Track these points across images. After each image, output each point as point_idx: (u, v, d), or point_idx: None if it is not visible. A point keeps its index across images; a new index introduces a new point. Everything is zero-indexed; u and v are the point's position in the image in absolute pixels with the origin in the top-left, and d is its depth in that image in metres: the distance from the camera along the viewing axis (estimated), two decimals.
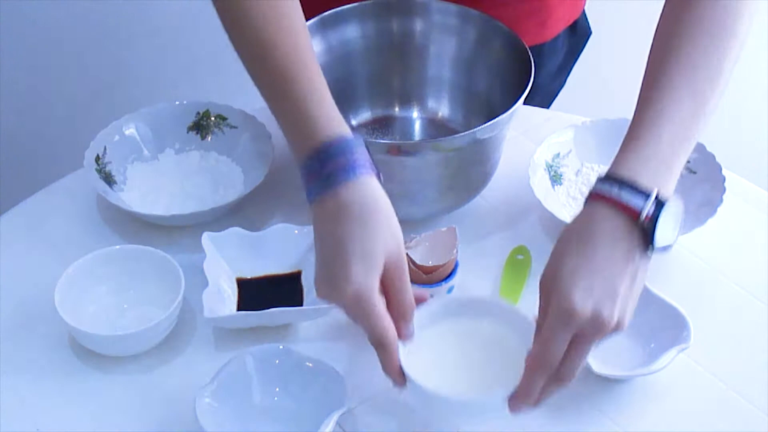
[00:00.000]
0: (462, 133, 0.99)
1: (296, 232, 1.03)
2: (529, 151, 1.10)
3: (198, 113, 1.16)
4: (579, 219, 0.85)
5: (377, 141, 1.07)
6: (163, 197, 1.10)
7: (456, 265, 0.96)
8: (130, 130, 1.14)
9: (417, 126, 1.19)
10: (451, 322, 0.89)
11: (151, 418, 0.92)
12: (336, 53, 1.12)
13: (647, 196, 0.82)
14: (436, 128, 1.18)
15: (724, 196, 1.05)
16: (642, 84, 0.90)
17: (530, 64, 1.04)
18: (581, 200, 1.08)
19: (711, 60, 0.89)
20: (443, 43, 1.16)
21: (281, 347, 0.92)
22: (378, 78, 1.17)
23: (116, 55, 2.25)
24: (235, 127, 1.15)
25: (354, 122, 1.17)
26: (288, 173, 1.14)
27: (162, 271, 0.99)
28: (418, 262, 0.94)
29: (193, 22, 2.24)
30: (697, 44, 0.89)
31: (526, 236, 1.08)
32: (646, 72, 0.90)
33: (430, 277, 0.94)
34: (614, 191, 0.83)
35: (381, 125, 1.18)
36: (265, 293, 1.01)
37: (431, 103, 1.18)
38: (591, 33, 1.34)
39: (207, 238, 1.01)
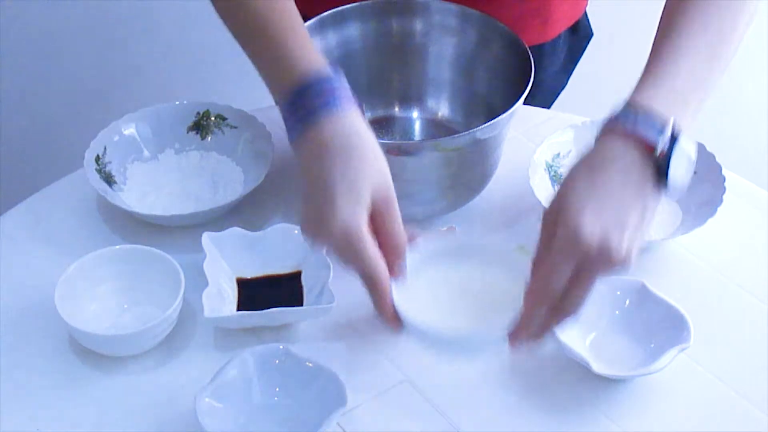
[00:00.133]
0: (462, 133, 0.99)
1: (296, 232, 1.03)
2: (529, 151, 1.10)
3: (198, 113, 1.16)
4: (590, 152, 0.83)
5: (377, 141, 1.06)
6: (163, 197, 1.10)
7: None
8: (130, 130, 1.14)
9: (417, 126, 1.19)
10: (446, 263, 0.87)
11: (151, 418, 0.92)
12: (336, 53, 1.12)
13: (662, 129, 0.80)
14: (436, 128, 1.18)
15: (724, 196, 1.05)
16: (654, 39, 0.89)
17: (530, 64, 1.04)
18: None
19: (724, 22, 0.88)
20: (443, 43, 1.16)
21: (281, 347, 0.92)
22: (378, 78, 1.17)
23: (116, 55, 2.25)
24: (235, 127, 1.15)
25: None
26: (288, 173, 1.14)
27: (162, 271, 0.99)
28: None
29: (193, 22, 2.24)
30: (708, 10, 0.88)
31: (526, 236, 1.07)
32: (657, 31, 0.89)
33: None
34: (629, 121, 0.81)
35: (381, 125, 1.18)
36: (265, 293, 1.01)
37: (431, 103, 1.18)
38: (592, 34, 1.34)
39: (207, 238, 1.01)
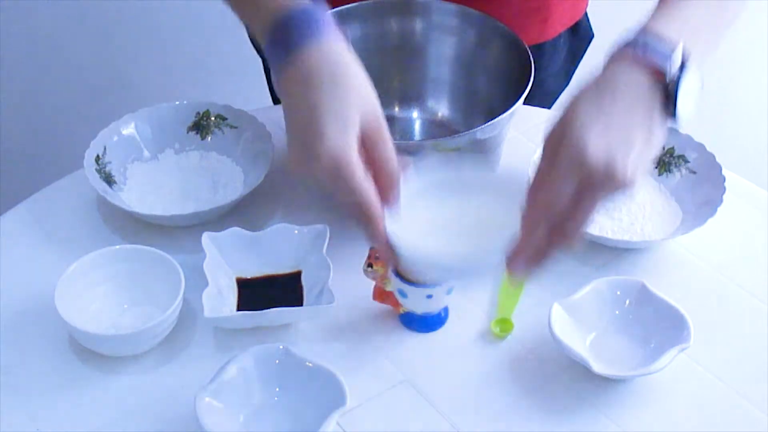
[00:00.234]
0: (462, 133, 0.99)
1: (296, 232, 1.03)
2: (529, 151, 1.10)
3: (198, 113, 1.16)
4: (598, 77, 0.82)
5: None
6: (163, 197, 1.10)
7: None
8: (129, 130, 1.14)
9: (417, 126, 1.19)
10: (441, 193, 0.86)
11: (151, 418, 0.92)
12: None
13: (673, 57, 0.79)
14: (436, 128, 1.18)
15: (724, 196, 1.05)
16: None
17: (530, 64, 1.04)
18: None
19: None
20: (443, 43, 1.16)
21: (281, 347, 0.92)
22: (378, 78, 1.16)
23: (116, 55, 2.25)
24: (235, 127, 1.15)
25: None
26: (288, 173, 1.14)
27: (162, 271, 0.99)
28: None
29: (194, 22, 2.24)
30: None
31: None
32: None
33: None
34: (640, 48, 0.80)
35: None
36: (265, 293, 1.01)
37: (431, 103, 1.18)
38: (593, 36, 1.34)
39: (207, 238, 1.01)
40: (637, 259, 1.05)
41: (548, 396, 0.93)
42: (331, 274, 0.98)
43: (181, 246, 1.05)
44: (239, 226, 1.02)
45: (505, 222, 0.81)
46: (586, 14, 1.31)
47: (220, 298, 0.98)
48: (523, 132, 1.18)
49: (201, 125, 1.16)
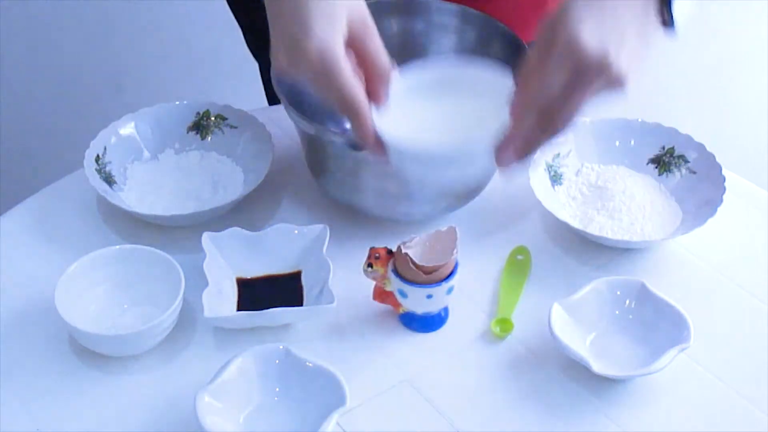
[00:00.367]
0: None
1: (296, 232, 1.03)
2: None
3: (198, 113, 1.16)
4: None
5: None
6: (163, 197, 1.10)
7: (456, 265, 0.96)
8: (129, 130, 1.14)
9: None
10: (431, 92, 0.86)
11: (151, 418, 0.92)
12: None
13: None
14: None
15: (724, 196, 1.05)
16: None
17: None
18: (581, 200, 1.09)
19: None
20: (443, 43, 1.16)
21: (281, 347, 0.92)
22: None
23: (116, 55, 2.25)
24: (235, 127, 1.15)
25: None
26: (288, 173, 1.15)
27: (162, 271, 0.99)
28: (418, 262, 0.94)
29: (193, 22, 2.24)
30: None
31: (526, 236, 1.08)
32: None
33: (430, 277, 0.94)
34: None
35: None
36: (265, 293, 1.01)
37: None
38: None
39: (207, 238, 1.01)
40: (637, 259, 1.05)
41: (548, 396, 0.93)
42: (331, 274, 0.98)
43: (181, 246, 1.05)
44: (239, 226, 1.03)
45: (493, 117, 0.82)
46: None
47: (220, 298, 0.98)
48: None
49: (201, 125, 1.16)
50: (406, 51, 1.16)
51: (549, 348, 0.96)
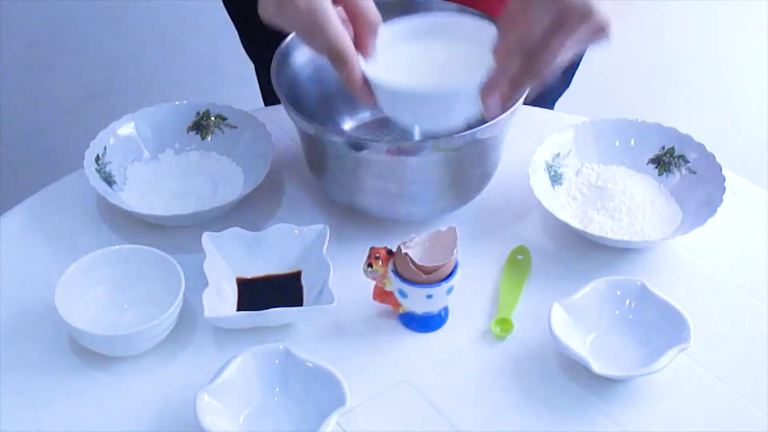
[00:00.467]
0: (462, 133, 0.99)
1: (296, 232, 1.03)
2: (529, 151, 1.10)
3: (198, 113, 1.16)
4: None
5: (377, 141, 1.07)
6: (163, 197, 1.10)
7: (456, 265, 0.96)
8: (129, 130, 1.14)
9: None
10: (417, 39, 0.88)
11: (151, 418, 0.92)
12: None
13: None
14: None
15: (724, 196, 1.05)
16: None
17: None
18: (581, 200, 1.09)
19: None
20: None
21: (281, 347, 0.92)
22: None
23: (117, 55, 2.25)
24: (235, 127, 1.15)
25: (354, 123, 1.17)
26: (288, 173, 1.15)
27: (162, 271, 0.99)
28: (418, 262, 0.94)
29: (193, 22, 2.24)
30: None
31: (526, 236, 1.08)
32: None
33: (430, 277, 0.94)
34: None
35: (381, 125, 1.17)
36: (265, 293, 1.01)
37: None
38: None
39: (207, 238, 1.01)
40: (637, 259, 1.05)
41: (548, 396, 0.93)
42: (331, 274, 0.98)
43: (181, 246, 1.05)
44: (239, 226, 1.03)
45: (479, 61, 0.84)
46: None
47: (220, 298, 0.98)
48: (523, 132, 1.18)
49: (201, 125, 1.16)
50: None
51: (549, 348, 0.96)
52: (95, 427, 0.91)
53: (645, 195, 1.09)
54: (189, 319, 0.99)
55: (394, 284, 0.96)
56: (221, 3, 1.34)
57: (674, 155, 1.12)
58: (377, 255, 0.95)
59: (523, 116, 1.15)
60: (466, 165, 1.04)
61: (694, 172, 1.10)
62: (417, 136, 0.92)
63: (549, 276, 1.04)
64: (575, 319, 0.96)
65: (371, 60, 0.85)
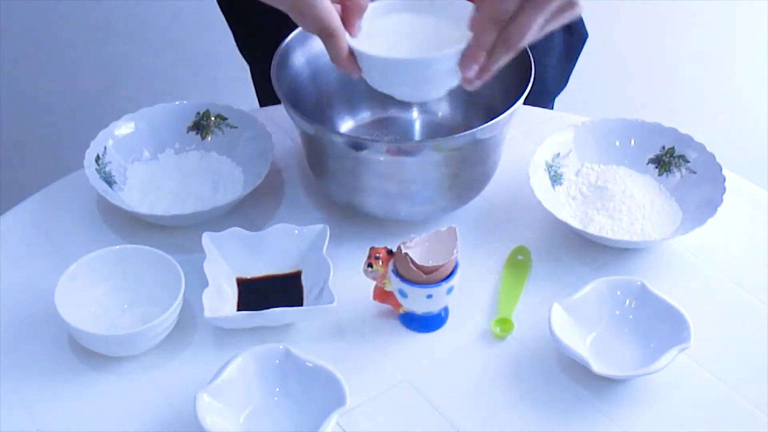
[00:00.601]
0: (462, 133, 0.99)
1: (296, 232, 1.03)
2: (529, 151, 1.10)
3: (198, 113, 1.16)
4: None
5: (377, 141, 1.07)
6: (163, 197, 1.10)
7: (456, 265, 0.96)
8: (129, 130, 1.14)
9: (417, 126, 1.19)
10: (398, 14, 0.94)
11: (151, 418, 0.92)
12: None
13: None
14: (436, 128, 1.18)
15: (724, 196, 1.05)
16: None
17: (530, 64, 1.04)
18: (581, 200, 1.09)
19: None
20: None
21: (281, 347, 0.92)
22: None
23: (116, 55, 2.25)
24: (235, 127, 1.15)
25: (354, 123, 1.17)
26: (288, 173, 1.15)
27: (162, 271, 0.99)
28: (418, 262, 0.94)
29: (193, 22, 2.24)
30: None
31: (526, 236, 1.08)
32: None
33: (430, 277, 0.94)
34: None
35: (381, 125, 1.18)
36: (265, 293, 1.01)
37: (431, 103, 1.18)
38: (587, 36, 1.34)
39: (207, 238, 1.01)
40: (637, 259, 1.05)
41: (548, 396, 0.93)
42: (331, 274, 0.98)
43: (181, 246, 1.05)
44: (239, 226, 1.03)
45: (458, 36, 0.90)
46: None
47: (220, 298, 0.98)
48: (523, 132, 1.18)
49: (201, 125, 1.16)
50: None
51: (549, 348, 0.96)
52: (95, 427, 0.91)
53: (645, 195, 1.09)
54: (189, 319, 0.99)
55: (394, 284, 0.96)
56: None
57: (674, 155, 1.12)
58: (377, 255, 0.95)
59: (523, 116, 1.15)
60: (466, 165, 1.04)
61: (694, 172, 1.10)
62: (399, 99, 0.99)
63: (549, 276, 1.04)
64: (575, 319, 0.96)
65: (356, 39, 0.91)
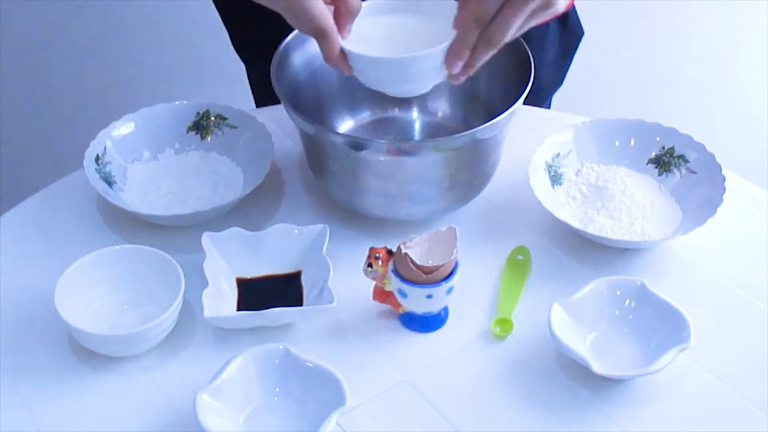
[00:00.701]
0: (462, 133, 0.99)
1: (296, 232, 1.03)
2: (529, 151, 1.10)
3: (198, 113, 1.16)
4: None
5: (377, 141, 1.07)
6: (163, 197, 1.10)
7: (456, 265, 0.96)
8: (129, 130, 1.14)
9: (417, 126, 1.19)
10: (386, 15, 0.98)
11: (151, 418, 0.92)
12: None
13: None
14: (436, 128, 1.18)
15: (724, 196, 1.05)
16: None
17: (530, 63, 1.04)
18: (581, 200, 1.09)
19: None
20: None
21: (281, 347, 0.92)
22: None
23: (116, 55, 2.26)
24: (235, 127, 1.15)
25: (354, 123, 1.17)
26: (288, 173, 1.15)
27: (162, 271, 0.99)
28: (418, 262, 0.94)
29: (193, 23, 2.24)
30: None
31: (526, 236, 1.08)
32: None
33: (430, 277, 0.94)
34: None
35: (381, 125, 1.18)
36: (265, 293, 1.01)
37: (431, 104, 1.18)
38: (583, 33, 1.34)
39: (207, 238, 1.01)
40: (637, 259, 1.05)
41: (548, 396, 0.93)
42: (331, 274, 0.98)
43: (181, 246, 1.05)
44: (239, 226, 1.03)
45: (443, 34, 0.93)
46: (574, 8, 1.31)
47: (220, 298, 0.98)
48: (523, 132, 1.18)
49: (201, 125, 1.16)
50: None
51: (549, 348, 0.96)
52: (95, 427, 0.91)
53: (645, 195, 1.09)
54: (189, 319, 0.99)
55: (394, 284, 0.96)
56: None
57: (674, 155, 1.12)
58: (377, 255, 0.95)
59: (523, 116, 1.15)
60: (466, 165, 1.04)
61: (694, 172, 1.10)
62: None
63: (549, 276, 1.04)
64: (575, 319, 0.96)
65: (347, 39, 0.94)
